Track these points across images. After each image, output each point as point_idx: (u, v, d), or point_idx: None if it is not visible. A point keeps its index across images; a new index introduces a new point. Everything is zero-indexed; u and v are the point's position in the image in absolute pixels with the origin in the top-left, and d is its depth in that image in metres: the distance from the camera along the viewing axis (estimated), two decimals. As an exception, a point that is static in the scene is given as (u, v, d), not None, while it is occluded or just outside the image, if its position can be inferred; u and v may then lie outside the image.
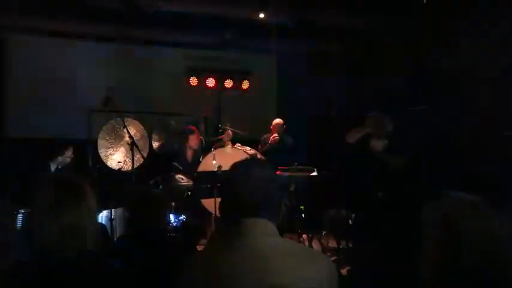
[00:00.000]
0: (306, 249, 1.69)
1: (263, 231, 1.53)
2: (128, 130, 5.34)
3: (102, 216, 4.96)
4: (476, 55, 5.75)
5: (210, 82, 7.96)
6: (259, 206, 1.55)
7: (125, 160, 6.30)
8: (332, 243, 5.86)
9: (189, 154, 6.19)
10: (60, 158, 4.69)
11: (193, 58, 8.22)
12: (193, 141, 6.13)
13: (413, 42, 6.74)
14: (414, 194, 4.77)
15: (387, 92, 7.09)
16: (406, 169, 5.00)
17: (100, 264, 1.68)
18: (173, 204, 4.85)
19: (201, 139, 6.31)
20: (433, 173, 5.60)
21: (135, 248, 2.72)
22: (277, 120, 6.92)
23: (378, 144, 5.01)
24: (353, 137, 5.13)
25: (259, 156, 5.87)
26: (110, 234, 4.68)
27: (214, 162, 5.55)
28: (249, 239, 1.51)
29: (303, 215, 5.51)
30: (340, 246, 5.42)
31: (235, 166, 1.63)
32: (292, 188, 5.51)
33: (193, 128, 6.26)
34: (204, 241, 5.74)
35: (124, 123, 5.42)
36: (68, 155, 4.74)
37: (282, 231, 1.59)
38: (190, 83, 7.88)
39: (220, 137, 6.49)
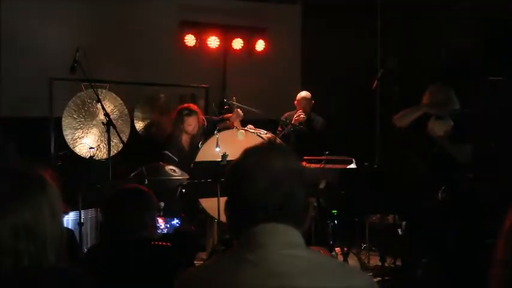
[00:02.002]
0: (340, 264, 1.70)
1: (284, 241, 1.52)
2: (102, 105, 5.35)
3: (69, 220, 5.02)
4: None
5: (213, 42, 7.94)
6: (279, 207, 1.54)
7: (99, 145, 6.36)
8: (374, 260, 5.87)
9: (185, 139, 6.19)
10: None
11: (191, 10, 8.19)
12: (190, 125, 6.09)
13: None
14: (487, 196, 4.74)
15: (452, 59, 7.01)
16: (476, 162, 4.97)
17: (64, 279, 1.69)
18: (162, 204, 4.88)
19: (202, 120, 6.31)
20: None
21: (111, 261, 2.73)
22: (303, 94, 6.89)
23: (439, 128, 4.98)
24: (405, 119, 5.10)
25: (278, 141, 5.86)
26: (78, 242, 4.73)
27: (217, 149, 5.55)
28: (266, 252, 1.50)
29: (335, 222, 5.51)
30: (386, 264, 5.42)
31: (247, 154, 1.62)
32: (322, 185, 5.50)
33: (192, 106, 6.22)
34: (203, 255, 5.80)
35: (98, 96, 5.43)
36: None
37: (307, 243, 1.59)
38: (186, 42, 7.87)
39: (226, 115, 6.48)
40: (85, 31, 7.33)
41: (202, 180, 5.15)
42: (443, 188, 4.81)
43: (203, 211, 5.72)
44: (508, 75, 6.11)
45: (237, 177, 1.60)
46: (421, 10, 7.68)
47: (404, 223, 5.18)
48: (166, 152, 5.98)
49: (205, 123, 6.32)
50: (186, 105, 6.27)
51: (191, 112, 6.10)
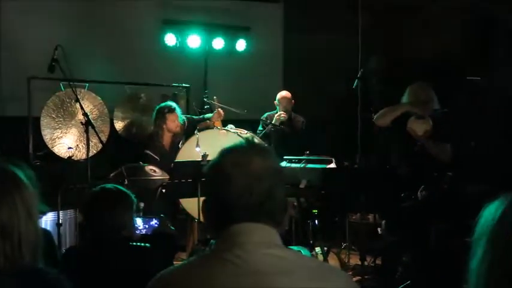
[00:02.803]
0: (319, 263, 1.70)
1: (262, 241, 1.52)
2: (81, 105, 5.31)
3: (47, 220, 4.98)
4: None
5: (194, 41, 7.92)
6: (258, 207, 1.54)
7: (77, 145, 6.32)
8: (354, 259, 5.89)
9: (167, 139, 6.17)
10: None
11: (170, 8, 8.16)
12: (174, 122, 6.08)
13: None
14: (467, 194, 4.76)
15: (433, 59, 7.05)
16: (455, 161, 4.99)
17: (40, 280, 1.68)
18: (142, 205, 4.86)
19: (183, 120, 6.29)
20: (492, 167, 5.59)
21: (90, 262, 2.72)
22: (284, 93, 6.89)
23: (419, 127, 4.99)
24: (385, 118, 5.11)
25: (257, 140, 5.85)
26: (56, 243, 4.69)
27: (198, 149, 5.54)
28: (244, 251, 1.50)
29: (316, 221, 5.52)
30: (366, 263, 5.44)
31: (224, 154, 1.62)
32: (302, 185, 5.51)
33: (170, 104, 6.21)
34: (183, 255, 5.78)
35: (76, 95, 5.39)
36: None
37: (287, 242, 1.58)
38: (166, 41, 7.84)
39: (206, 115, 6.48)
40: (65, 30, 7.26)
41: (183, 180, 5.13)
42: (423, 186, 4.84)
43: (183, 211, 5.71)
44: (491, 73, 6.16)
45: (214, 177, 1.59)
46: (403, 8, 7.70)
47: (384, 222, 5.20)
48: (148, 151, 5.95)
49: (186, 123, 6.31)
50: (163, 104, 6.25)
51: (172, 109, 6.10)
